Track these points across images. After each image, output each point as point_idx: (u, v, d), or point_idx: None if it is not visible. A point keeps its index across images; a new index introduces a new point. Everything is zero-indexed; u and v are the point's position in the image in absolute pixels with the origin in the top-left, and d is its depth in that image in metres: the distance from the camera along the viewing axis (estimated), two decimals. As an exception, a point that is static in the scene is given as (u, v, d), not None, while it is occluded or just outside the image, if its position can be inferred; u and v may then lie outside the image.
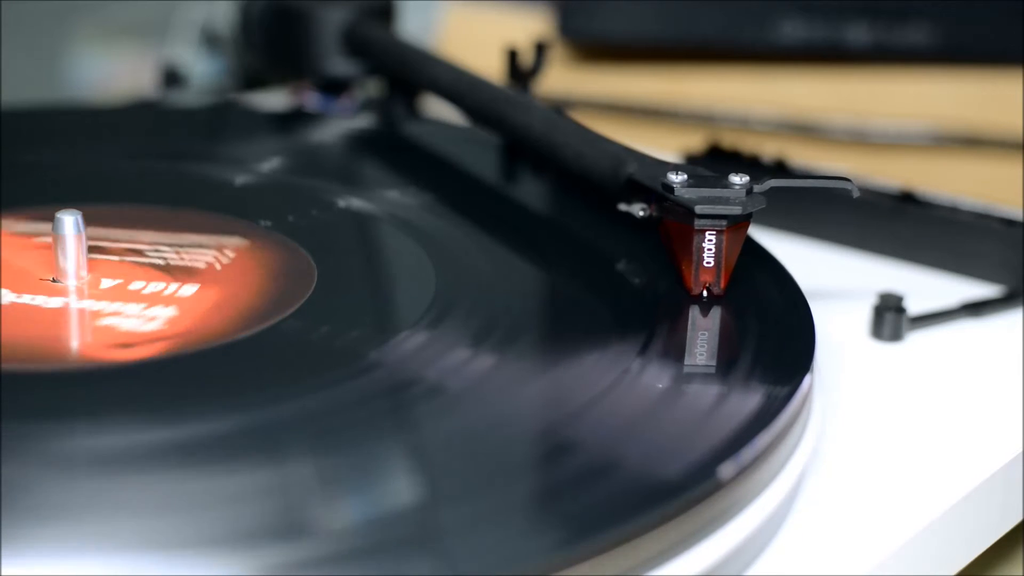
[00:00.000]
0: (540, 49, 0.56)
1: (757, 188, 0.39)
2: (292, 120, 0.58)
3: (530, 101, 0.50)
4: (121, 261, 0.41)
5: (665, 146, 0.61)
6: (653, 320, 0.39)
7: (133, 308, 0.38)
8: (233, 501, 0.30)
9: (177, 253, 0.42)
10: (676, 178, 0.39)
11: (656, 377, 0.36)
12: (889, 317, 0.45)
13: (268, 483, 0.31)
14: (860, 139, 0.68)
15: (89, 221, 0.40)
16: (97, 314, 0.38)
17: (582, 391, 0.35)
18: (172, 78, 0.66)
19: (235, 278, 0.40)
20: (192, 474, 0.31)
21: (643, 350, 0.37)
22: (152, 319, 0.37)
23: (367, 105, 0.60)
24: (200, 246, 0.42)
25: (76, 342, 0.37)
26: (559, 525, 0.30)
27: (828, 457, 0.38)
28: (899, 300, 0.46)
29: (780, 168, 0.54)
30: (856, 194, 0.40)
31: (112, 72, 0.82)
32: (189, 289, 0.39)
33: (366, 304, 0.41)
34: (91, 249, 0.40)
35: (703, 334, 0.39)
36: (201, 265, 0.41)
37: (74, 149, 0.54)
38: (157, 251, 0.42)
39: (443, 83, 0.53)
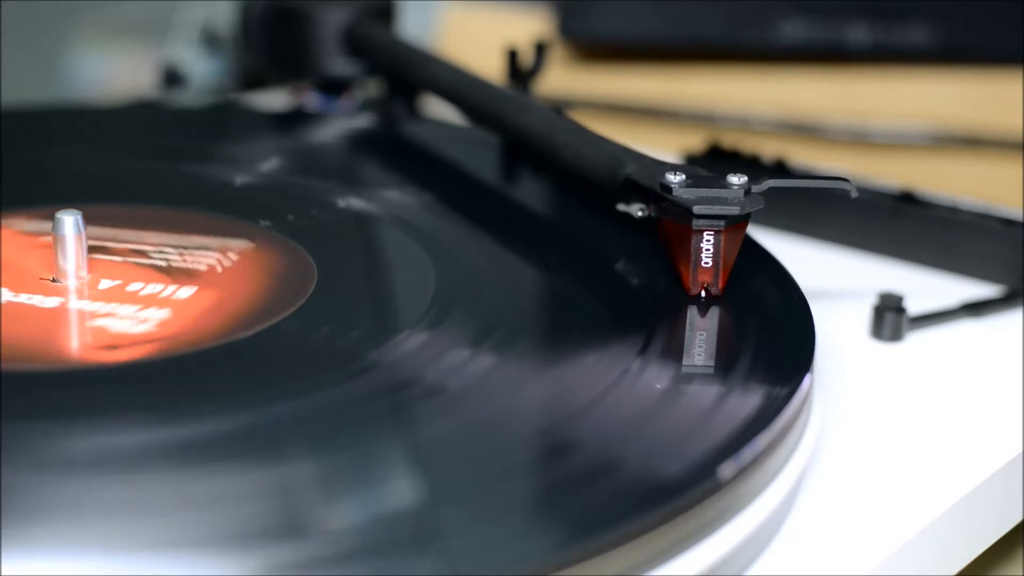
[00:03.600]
0: (540, 49, 0.56)
1: (755, 188, 0.39)
2: (292, 120, 0.58)
3: (530, 101, 0.50)
4: (122, 262, 0.41)
5: (665, 146, 0.61)
6: (652, 320, 0.39)
7: (128, 310, 0.38)
8: (233, 501, 0.30)
9: (179, 255, 0.42)
10: (674, 178, 0.39)
11: (655, 377, 0.36)
12: (889, 317, 0.45)
13: (268, 483, 0.31)
14: (860, 139, 0.68)
15: (89, 221, 0.40)
16: (92, 315, 0.38)
17: (582, 391, 0.35)
18: (172, 78, 0.66)
19: (235, 278, 0.40)
20: (192, 474, 0.31)
21: (642, 350, 0.37)
22: (145, 321, 0.37)
23: (367, 105, 0.60)
24: (201, 247, 0.42)
25: (70, 343, 0.37)
26: (559, 525, 0.30)
27: (828, 457, 0.38)
28: (899, 300, 0.46)
29: (780, 168, 0.54)
30: (854, 194, 0.40)
31: (112, 72, 0.82)
32: (187, 291, 0.39)
33: (366, 304, 0.41)
34: (91, 249, 0.40)
35: (701, 334, 0.39)
36: (202, 267, 0.41)
37: (74, 149, 0.54)
38: (158, 252, 0.42)
39: (443, 83, 0.53)
